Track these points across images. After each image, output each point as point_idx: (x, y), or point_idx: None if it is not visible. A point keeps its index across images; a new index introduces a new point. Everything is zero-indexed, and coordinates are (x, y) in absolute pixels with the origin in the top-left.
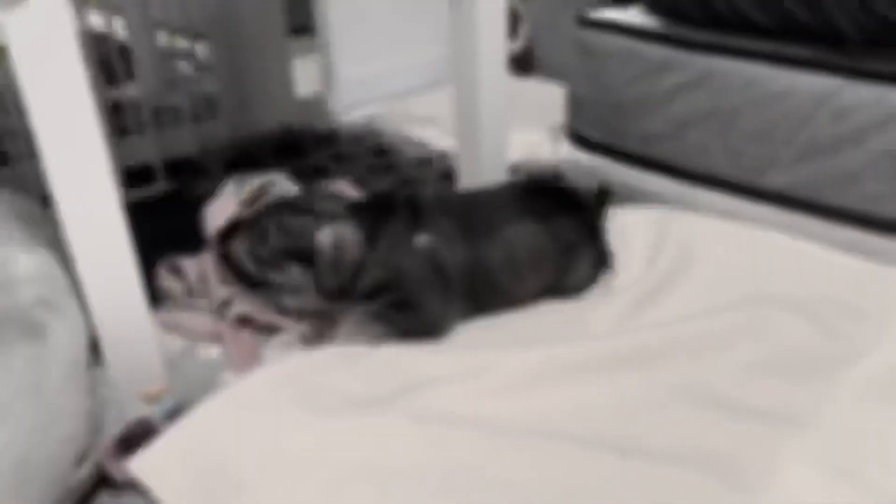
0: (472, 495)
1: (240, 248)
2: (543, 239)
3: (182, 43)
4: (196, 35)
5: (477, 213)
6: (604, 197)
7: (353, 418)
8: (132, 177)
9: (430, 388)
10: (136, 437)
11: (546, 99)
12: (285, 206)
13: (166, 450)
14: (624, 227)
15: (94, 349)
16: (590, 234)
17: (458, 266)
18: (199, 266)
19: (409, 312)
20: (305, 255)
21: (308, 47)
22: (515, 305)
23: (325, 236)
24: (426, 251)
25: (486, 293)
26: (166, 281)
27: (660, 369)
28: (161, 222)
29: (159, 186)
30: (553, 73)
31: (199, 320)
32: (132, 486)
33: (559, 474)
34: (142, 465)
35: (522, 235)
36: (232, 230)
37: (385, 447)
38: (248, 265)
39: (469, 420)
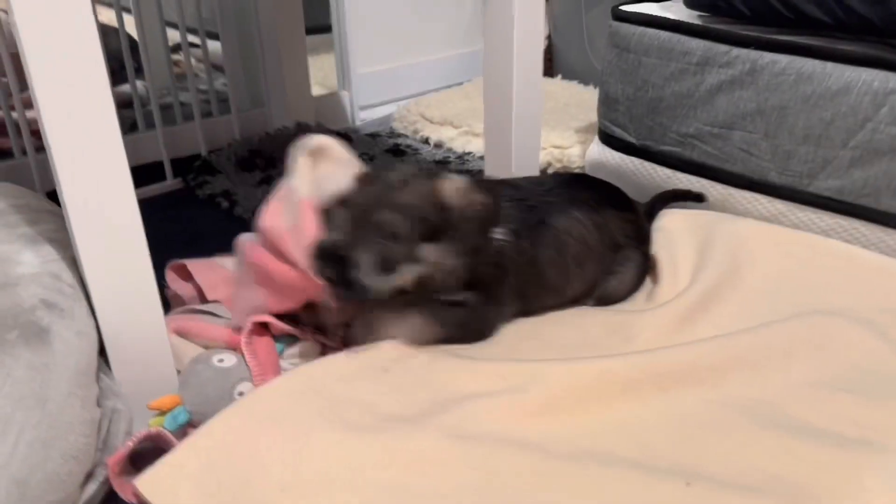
0: None
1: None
2: (593, 233)
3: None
4: (209, 34)
5: (528, 203)
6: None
7: (384, 435)
8: (139, 174)
9: (468, 403)
10: (146, 454)
11: (570, 99)
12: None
13: (177, 467)
14: (666, 230)
15: (103, 356)
16: (638, 235)
17: (515, 261)
18: (213, 270)
19: (472, 311)
20: None
21: (325, 46)
22: (558, 307)
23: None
24: (501, 246)
25: (533, 291)
26: (175, 283)
27: (719, 387)
28: (167, 221)
29: (167, 184)
30: (573, 75)
31: (213, 326)
32: None
33: (616, 502)
34: (150, 483)
35: (572, 226)
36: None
37: (419, 468)
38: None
39: (512, 440)
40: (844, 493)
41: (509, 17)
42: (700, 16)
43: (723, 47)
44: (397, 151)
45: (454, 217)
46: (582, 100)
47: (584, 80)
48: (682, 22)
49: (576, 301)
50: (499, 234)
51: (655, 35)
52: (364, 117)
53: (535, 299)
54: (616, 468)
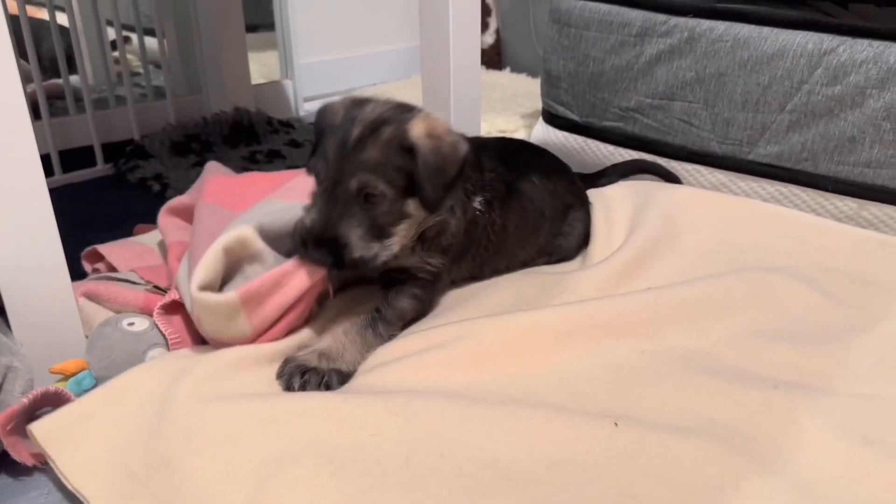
0: (445, 471)
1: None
2: (547, 199)
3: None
4: (146, 30)
5: (503, 174)
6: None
7: (300, 395)
8: (70, 158)
9: (389, 364)
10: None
11: (518, 90)
12: None
13: (84, 416)
14: (605, 197)
15: (3, 315)
16: (580, 196)
17: (485, 232)
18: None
19: (433, 282)
20: None
21: (268, 42)
22: (507, 271)
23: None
24: (475, 217)
25: (491, 258)
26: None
27: (654, 338)
28: (95, 204)
29: (97, 169)
30: (521, 68)
31: (127, 290)
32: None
33: (544, 446)
34: (49, 431)
35: (533, 192)
36: None
37: (335, 422)
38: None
39: (436, 389)
40: (781, 433)
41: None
42: None
43: (661, 17)
44: None
45: (421, 158)
46: (529, 90)
47: (533, 73)
48: None
49: (525, 264)
50: (476, 202)
51: (596, 8)
52: (308, 109)
53: (489, 265)
54: (543, 411)
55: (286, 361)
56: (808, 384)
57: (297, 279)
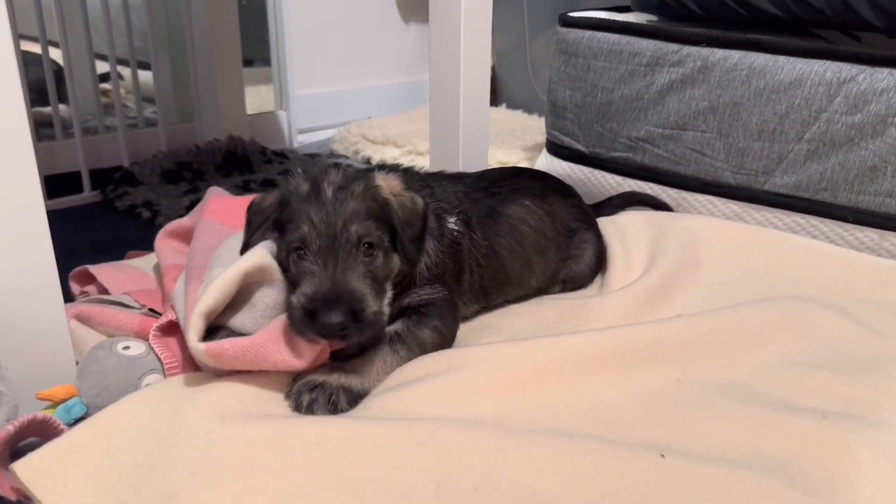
0: None
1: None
2: (546, 221)
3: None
4: (141, 64)
5: (472, 195)
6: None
7: (315, 420)
8: (56, 184)
9: (408, 386)
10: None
11: (515, 125)
12: None
13: (71, 451)
14: (619, 224)
15: None
16: (586, 218)
17: (472, 253)
18: (119, 269)
19: (447, 307)
20: None
21: (261, 77)
22: (522, 299)
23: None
24: (455, 237)
25: (496, 285)
26: (77, 287)
27: (687, 367)
28: (82, 230)
29: (84, 196)
30: (517, 104)
31: (121, 313)
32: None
33: (586, 479)
34: (34, 470)
35: (526, 214)
36: None
37: (356, 451)
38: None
39: (461, 417)
40: (835, 465)
41: (455, 33)
42: (651, 18)
43: (673, 46)
44: (336, 169)
45: (395, 212)
46: (527, 125)
47: (529, 109)
48: (632, 23)
49: (541, 291)
50: (450, 223)
51: (604, 38)
52: (303, 140)
53: (498, 293)
54: (582, 442)
55: (295, 378)
56: (855, 414)
57: (276, 356)
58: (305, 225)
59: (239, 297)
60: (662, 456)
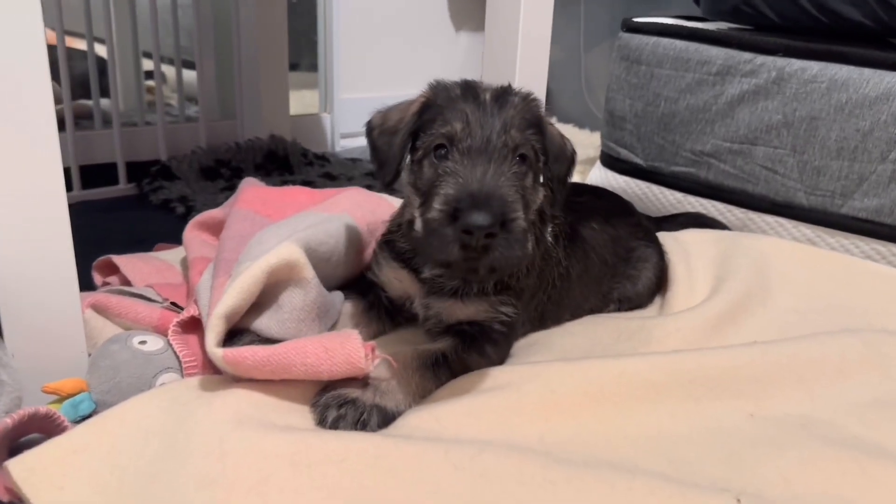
0: None
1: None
2: (609, 246)
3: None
4: (185, 63)
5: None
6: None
7: (341, 435)
8: (91, 174)
9: (444, 402)
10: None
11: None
12: None
13: (70, 452)
14: (682, 241)
15: None
16: (647, 237)
17: (551, 272)
18: (145, 261)
19: (494, 345)
20: None
21: (305, 81)
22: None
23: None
24: (547, 249)
25: (554, 309)
26: (100, 278)
27: (761, 399)
28: (114, 222)
29: (119, 188)
30: (568, 119)
31: (141, 304)
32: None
33: None
34: (30, 470)
35: (595, 239)
36: None
37: (384, 472)
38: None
39: (506, 442)
40: None
41: (512, 48)
42: (721, 25)
43: (746, 55)
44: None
45: (549, 137)
46: (577, 140)
47: (580, 124)
48: (700, 29)
49: (592, 312)
50: (548, 232)
51: (670, 44)
52: (345, 145)
53: (554, 320)
54: (644, 479)
55: (325, 388)
56: None
57: (299, 367)
58: (458, 122)
59: (265, 297)
60: (738, 501)
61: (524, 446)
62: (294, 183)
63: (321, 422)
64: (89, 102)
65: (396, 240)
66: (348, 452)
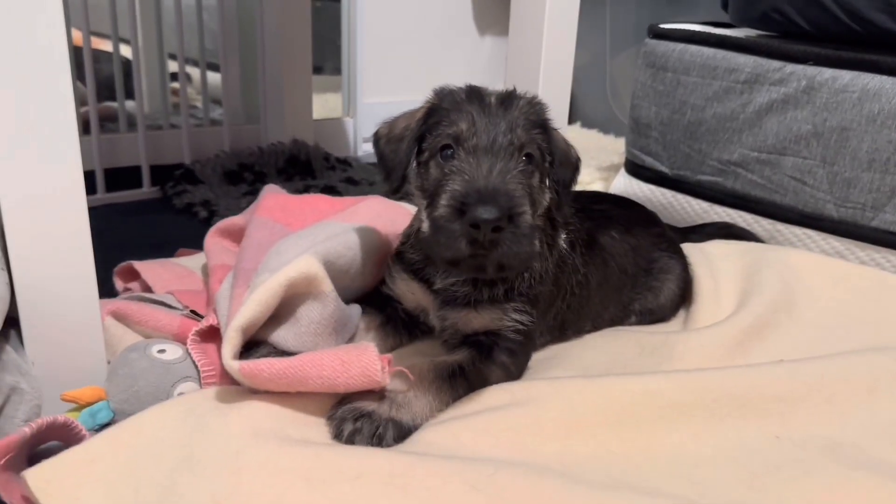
0: None
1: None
2: (629, 256)
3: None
4: (210, 66)
5: (584, 212)
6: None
7: (356, 451)
8: (115, 177)
9: (462, 419)
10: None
11: (590, 145)
12: None
13: (87, 462)
14: (707, 253)
15: (15, 326)
16: (670, 248)
17: (569, 279)
18: (165, 267)
19: (512, 356)
20: None
21: (328, 85)
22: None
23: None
24: (562, 255)
25: (574, 318)
26: (121, 284)
27: (787, 419)
28: (136, 226)
29: (143, 191)
30: (592, 123)
31: (162, 312)
32: None
33: None
34: (46, 481)
35: (614, 248)
36: None
37: (399, 490)
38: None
39: (523, 462)
40: None
41: (536, 53)
42: (749, 32)
43: (775, 63)
44: None
45: (554, 141)
46: (601, 145)
47: (604, 129)
48: (729, 36)
49: (612, 323)
50: (562, 239)
51: (698, 51)
52: (367, 149)
53: (574, 330)
54: (665, 502)
55: (341, 401)
56: None
57: (315, 380)
58: (464, 122)
59: (283, 309)
60: None
61: (542, 466)
62: (316, 187)
63: (337, 435)
64: (114, 104)
65: (407, 251)
66: (362, 469)
